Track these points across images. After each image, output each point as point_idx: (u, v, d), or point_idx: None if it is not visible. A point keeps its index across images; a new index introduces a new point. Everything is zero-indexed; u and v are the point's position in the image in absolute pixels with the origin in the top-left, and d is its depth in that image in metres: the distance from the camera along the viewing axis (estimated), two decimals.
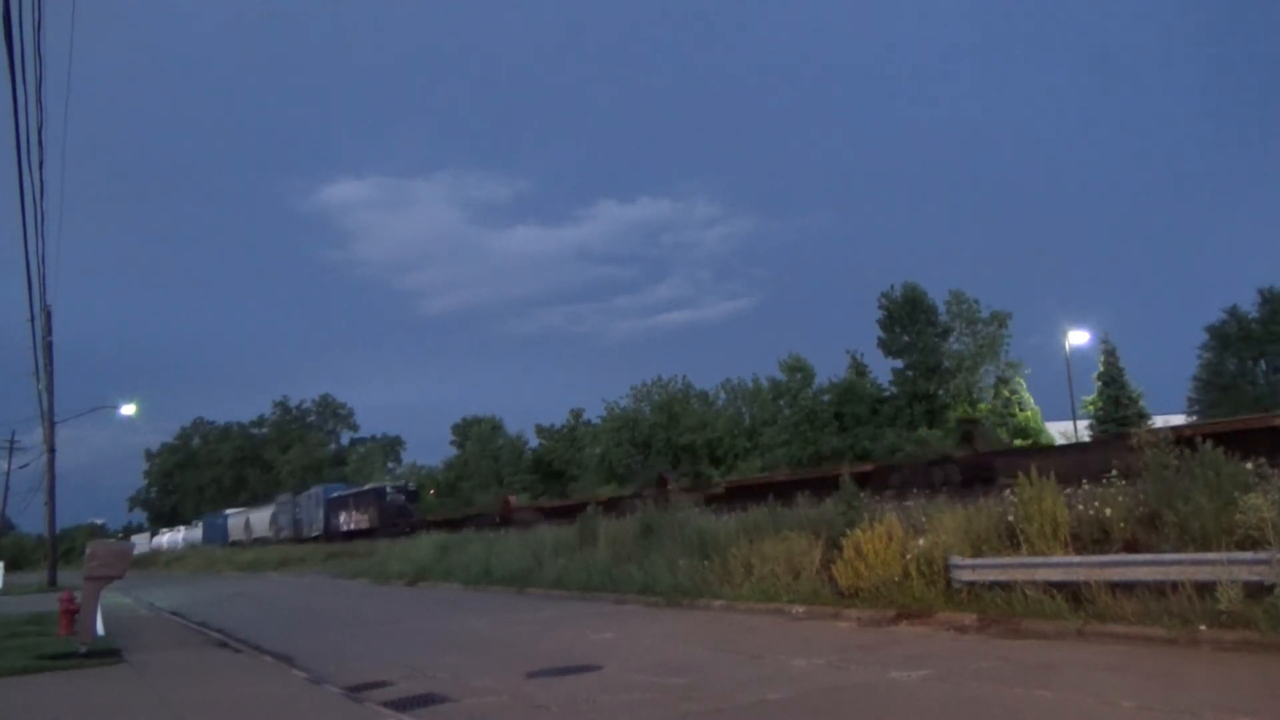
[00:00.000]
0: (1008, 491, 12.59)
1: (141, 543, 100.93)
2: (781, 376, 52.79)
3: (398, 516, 47.69)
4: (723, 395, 60.65)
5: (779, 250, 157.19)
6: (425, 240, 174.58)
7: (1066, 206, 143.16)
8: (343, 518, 54.85)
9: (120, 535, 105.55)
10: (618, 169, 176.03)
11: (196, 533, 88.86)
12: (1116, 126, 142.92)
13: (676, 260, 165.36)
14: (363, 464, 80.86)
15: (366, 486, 56.79)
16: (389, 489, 51.93)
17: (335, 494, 59.35)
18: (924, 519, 13.41)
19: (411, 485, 56.10)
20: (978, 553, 12.13)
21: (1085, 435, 38.79)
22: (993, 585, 11.47)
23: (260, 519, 72.76)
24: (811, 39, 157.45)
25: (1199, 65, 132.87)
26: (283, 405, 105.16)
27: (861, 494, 15.34)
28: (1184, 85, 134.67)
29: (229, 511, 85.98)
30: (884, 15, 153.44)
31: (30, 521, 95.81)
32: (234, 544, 74.60)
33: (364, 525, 50.39)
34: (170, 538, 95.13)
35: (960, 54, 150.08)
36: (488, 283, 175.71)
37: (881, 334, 49.34)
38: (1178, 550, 9.91)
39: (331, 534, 55.48)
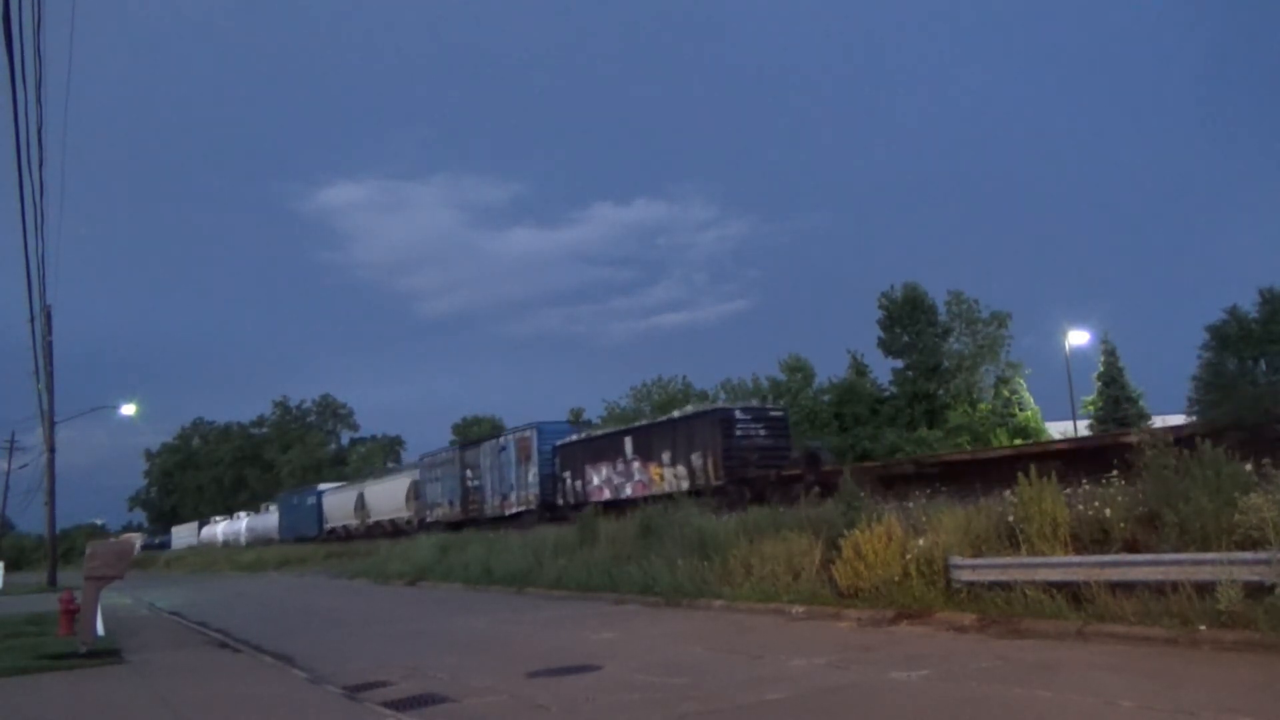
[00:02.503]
0: (1008, 492, 12.61)
1: (184, 535, 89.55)
2: (781, 376, 52.77)
3: (767, 462, 25.57)
4: (722, 395, 60.67)
5: (775, 252, 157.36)
6: (423, 242, 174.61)
7: (1066, 206, 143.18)
8: (596, 476, 31.21)
9: (119, 533, 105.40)
10: (613, 172, 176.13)
11: (268, 519, 67.53)
12: (1115, 125, 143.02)
13: (672, 262, 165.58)
14: (363, 464, 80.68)
15: (678, 414, 30.52)
16: (738, 412, 27.33)
17: (573, 437, 34.07)
18: (924, 519, 13.42)
19: (778, 410, 29.98)
20: (977, 553, 12.13)
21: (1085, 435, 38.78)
22: (992, 585, 11.47)
23: (388, 493, 48.81)
24: (806, 40, 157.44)
25: (1198, 64, 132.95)
26: (283, 405, 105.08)
27: None
28: (1183, 84, 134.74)
29: (325, 487, 61.32)
30: (879, 16, 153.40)
31: (30, 521, 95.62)
32: (333, 533, 54.51)
33: (676, 485, 26.72)
34: (228, 527, 77.38)
35: (956, 54, 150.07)
36: (485, 284, 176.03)
37: (881, 334, 49.33)
38: (1178, 550, 9.91)
39: (570, 506, 31.56)
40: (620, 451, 30.52)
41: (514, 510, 35.66)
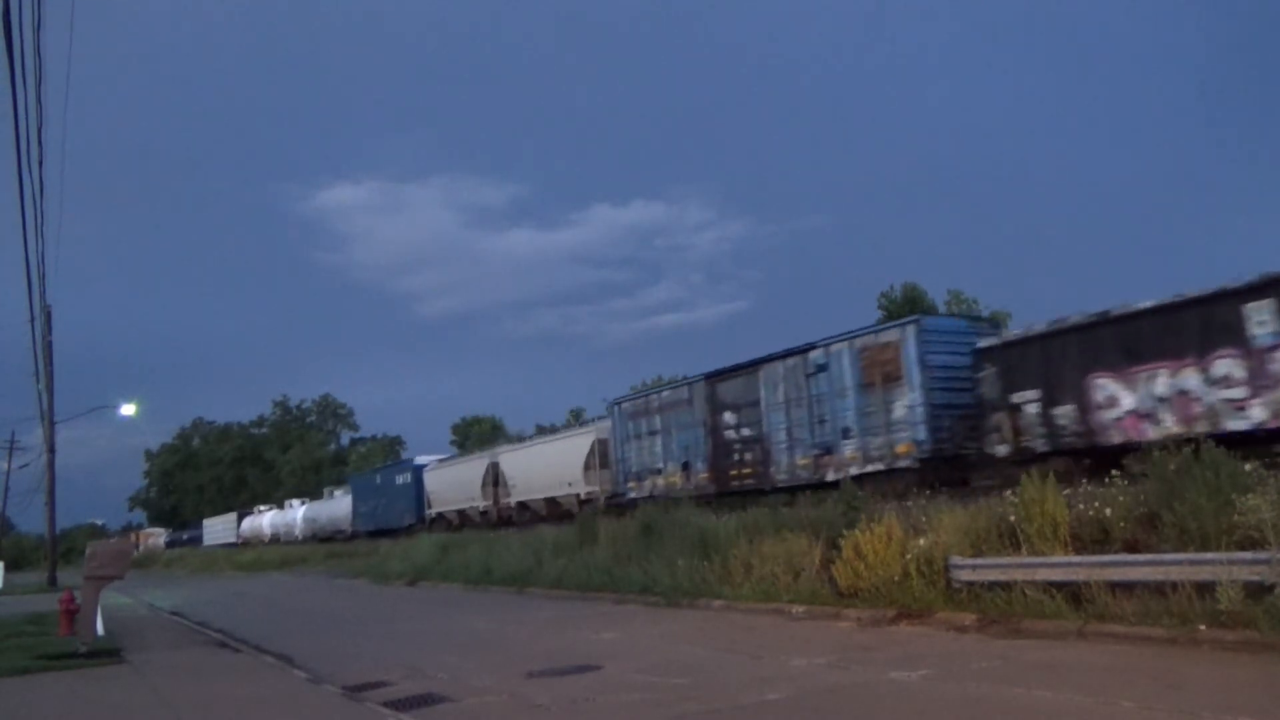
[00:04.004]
0: (1009, 492, 12.62)
1: (220, 530, 77.31)
2: None
3: None
4: None
5: (772, 253, 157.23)
6: (422, 243, 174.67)
7: (1066, 205, 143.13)
8: (1129, 396, 15.22)
9: (123, 531, 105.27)
10: (611, 173, 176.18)
11: (335, 507, 53.74)
12: (1114, 123, 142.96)
13: (670, 263, 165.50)
14: (363, 464, 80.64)
15: None
16: None
17: (1038, 328, 17.00)
18: (924, 519, 13.42)
19: None
20: (978, 553, 12.13)
21: None
22: (992, 585, 11.46)
23: (548, 461, 32.51)
24: (804, 41, 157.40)
25: (1197, 60, 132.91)
26: (283, 405, 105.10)
27: None
28: (1182, 82, 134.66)
29: (423, 460, 43.52)
30: (876, 16, 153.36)
31: (30, 521, 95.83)
32: (440, 520, 39.62)
33: None
34: (278, 519, 63.35)
35: (953, 53, 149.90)
36: (484, 285, 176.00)
37: None
38: (1178, 550, 9.92)
39: (1030, 457, 16.22)
40: (1224, 336, 14.35)
41: (852, 472, 19.57)
